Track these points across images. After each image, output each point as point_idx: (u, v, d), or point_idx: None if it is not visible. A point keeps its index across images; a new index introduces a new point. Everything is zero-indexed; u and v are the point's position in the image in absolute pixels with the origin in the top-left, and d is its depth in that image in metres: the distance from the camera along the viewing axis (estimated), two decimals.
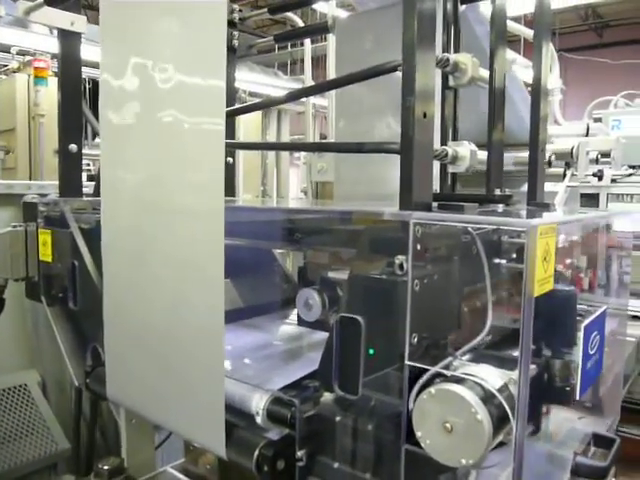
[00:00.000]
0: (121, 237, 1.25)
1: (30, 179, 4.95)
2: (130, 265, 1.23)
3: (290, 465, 1.02)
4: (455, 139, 1.49)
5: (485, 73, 1.39)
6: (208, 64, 1.01)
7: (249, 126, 8.19)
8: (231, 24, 2.05)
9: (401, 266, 0.88)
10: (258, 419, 1.07)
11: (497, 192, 1.39)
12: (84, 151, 3.29)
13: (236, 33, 2.06)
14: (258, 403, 1.08)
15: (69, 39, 1.69)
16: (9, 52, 5.78)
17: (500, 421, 0.79)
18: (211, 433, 1.08)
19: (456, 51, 1.44)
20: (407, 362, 0.87)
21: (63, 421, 2.43)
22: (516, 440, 0.77)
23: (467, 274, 0.95)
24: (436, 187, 1.50)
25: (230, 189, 2.26)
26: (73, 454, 2.35)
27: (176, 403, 1.17)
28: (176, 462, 1.81)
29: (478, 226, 0.83)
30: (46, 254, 1.71)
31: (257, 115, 8.37)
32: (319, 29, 1.92)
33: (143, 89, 1.13)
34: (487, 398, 0.79)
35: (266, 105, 2.23)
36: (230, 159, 2.25)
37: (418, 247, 0.88)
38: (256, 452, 1.03)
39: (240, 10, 2.09)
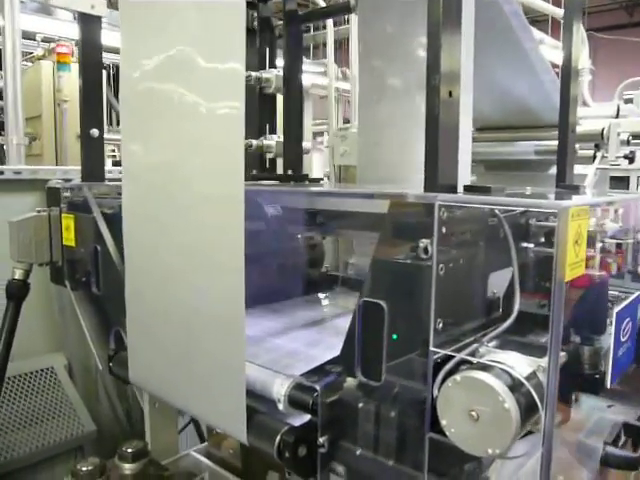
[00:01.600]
0: (142, 222, 1.25)
1: (56, 165, 5.01)
2: (151, 250, 1.23)
3: (312, 451, 1.01)
4: (273, 133, 1.97)
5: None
6: (227, 47, 0.98)
7: None
8: (251, 5, 2.03)
9: (426, 250, 0.85)
10: (280, 405, 1.06)
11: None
12: (109, 136, 3.31)
13: (256, 14, 2.03)
14: (279, 389, 1.07)
15: (89, 23, 1.68)
16: (34, 39, 5.83)
17: (528, 410, 0.76)
18: (232, 418, 1.08)
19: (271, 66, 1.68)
20: (432, 348, 0.85)
21: (89, 404, 2.47)
22: (545, 430, 0.74)
23: (494, 258, 0.92)
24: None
25: (247, 174, 2.26)
26: (98, 436, 2.39)
27: (197, 388, 1.17)
28: (199, 446, 1.82)
29: (506, 208, 0.80)
30: (69, 239, 1.72)
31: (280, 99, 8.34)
32: (341, 9, 1.88)
33: (162, 73, 1.12)
34: (515, 386, 0.76)
35: None
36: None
37: (443, 230, 0.85)
38: (277, 438, 1.02)
39: None
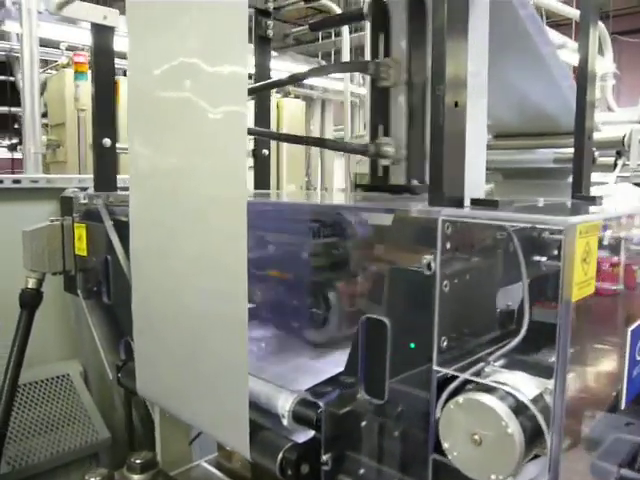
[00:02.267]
0: (147, 229, 1.24)
1: (79, 172, 5.08)
2: (156, 259, 1.22)
3: (314, 469, 0.99)
4: (387, 135, 1.52)
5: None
6: (229, 50, 0.97)
7: (292, 116, 8.19)
8: (265, 13, 2.02)
9: (429, 266, 0.83)
10: (284, 421, 1.04)
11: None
12: (124, 146, 3.33)
13: (270, 22, 2.03)
14: (284, 404, 1.06)
15: (102, 33, 1.70)
16: (59, 48, 5.93)
17: (534, 434, 0.73)
18: (235, 433, 1.06)
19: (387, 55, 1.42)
20: (435, 367, 0.82)
21: (104, 411, 2.48)
22: (551, 456, 0.71)
23: (502, 273, 0.89)
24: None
25: (266, 182, 2.24)
26: (113, 444, 2.40)
27: (201, 401, 1.15)
28: (209, 456, 1.81)
29: (511, 224, 0.77)
30: (81, 248, 1.73)
31: (300, 105, 8.36)
32: (354, 16, 1.86)
33: (166, 79, 1.12)
34: (519, 409, 0.73)
35: (278, 85, 2.24)
36: (266, 151, 2.22)
37: (448, 245, 0.82)
38: (280, 455, 1.00)
39: None
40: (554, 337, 0.78)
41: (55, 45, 5.95)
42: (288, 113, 8.07)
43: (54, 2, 1.61)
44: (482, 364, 0.83)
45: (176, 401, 1.25)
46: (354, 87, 7.68)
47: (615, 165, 2.13)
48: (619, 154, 2.12)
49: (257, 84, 1.93)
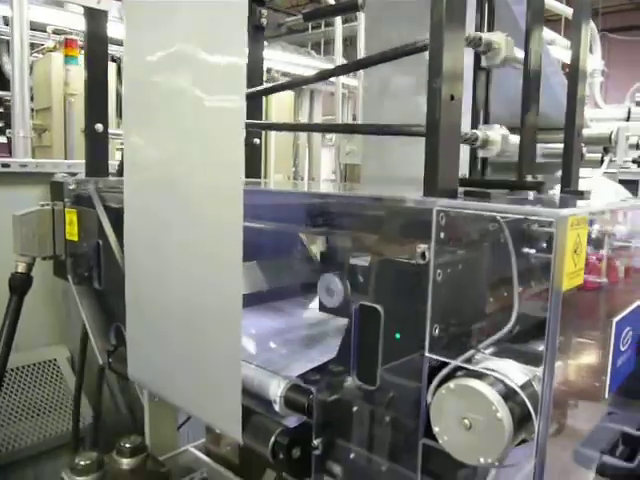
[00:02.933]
0: (141, 217, 1.25)
1: (65, 158, 5.03)
2: (149, 246, 1.23)
3: (306, 453, 1.01)
4: (487, 122, 1.44)
5: (520, 54, 1.33)
6: (228, 41, 0.98)
7: (281, 107, 8.16)
8: (259, 2, 2.02)
9: (423, 255, 0.85)
10: (276, 406, 1.06)
11: (529, 179, 1.34)
12: (116, 131, 3.31)
13: (264, 11, 2.02)
14: (276, 390, 1.07)
15: (95, 17, 1.68)
16: (45, 31, 5.84)
17: (522, 420, 0.75)
18: (228, 418, 1.08)
19: (490, 30, 1.38)
20: (427, 354, 0.84)
21: (91, 397, 2.48)
22: (538, 441, 0.73)
23: (493, 264, 0.91)
24: (465, 172, 1.46)
25: (256, 171, 2.25)
26: (100, 429, 2.40)
27: (194, 386, 1.17)
28: (197, 442, 1.83)
29: (504, 215, 0.79)
30: (72, 233, 1.72)
31: (289, 96, 8.33)
32: (349, 7, 1.86)
33: (164, 66, 1.12)
34: (509, 395, 0.76)
35: (292, 85, 2.17)
36: (257, 140, 2.22)
37: (442, 235, 0.84)
38: (272, 439, 1.02)
39: None
40: (541, 328, 0.81)
41: (41, 28, 5.86)
42: (277, 103, 8.05)
43: None
44: (472, 351, 0.85)
45: (168, 386, 1.26)
46: (345, 78, 7.66)
47: (602, 161, 2.17)
48: (606, 150, 2.15)
49: (277, 83, 1.89)
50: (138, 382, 1.41)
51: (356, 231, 1.04)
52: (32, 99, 5.74)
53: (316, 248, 1.54)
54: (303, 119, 9.47)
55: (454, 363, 0.82)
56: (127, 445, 1.46)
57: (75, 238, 1.72)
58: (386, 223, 0.92)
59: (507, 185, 1.33)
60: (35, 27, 5.82)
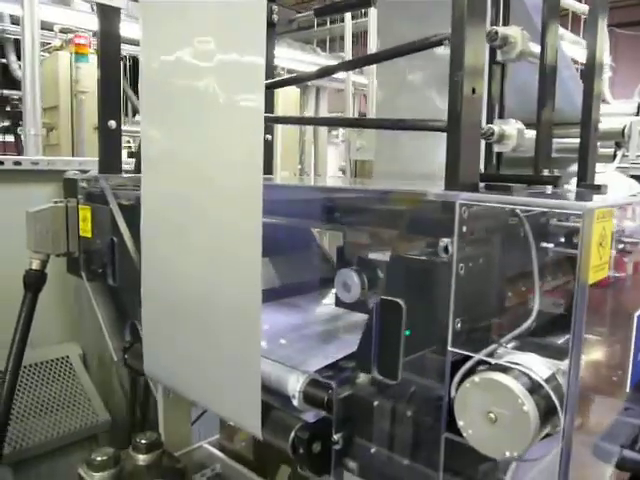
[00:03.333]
0: (159, 214, 1.25)
1: (73, 155, 5.04)
2: (167, 243, 1.23)
3: (326, 448, 1.01)
4: (502, 117, 1.43)
5: (535, 48, 1.32)
6: (247, 40, 0.98)
7: (287, 103, 8.15)
8: None
9: (446, 249, 0.85)
10: (295, 401, 1.06)
11: (545, 173, 1.33)
12: (125, 128, 3.31)
13: (276, 7, 2.02)
14: (295, 385, 1.07)
15: (108, 14, 1.69)
16: (52, 30, 5.86)
17: (547, 413, 0.75)
18: (247, 413, 1.08)
19: (505, 24, 1.37)
20: (450, 348, 0.84)
21: (103, 393, 2.49)
22: (564, 434, 0.73)
23: (515, 258, 0.91)
24: (480, 167, 1.45)
25: (268, 167, 2.25)
26: (113, 426, 2.41)
27: (212, 381, 1.17)
28: (212, 438, 1.83)
29: (530, 208, 0.79)
30: (86, 230, 1.73)
31: (295, 92, 8.33)
32: (360, 2, 1.86)
33: (182, 64, 1.12)
34: (534, 389, 0.75)
35: (305, 79, 2.16)
36: (269, 136, 2.23)
37: (464, 229, 0.84)
38: (292, 434, 1.02)
39: None
40: (563, 321, 0.81)
41: (48, 27, 5.88)
42: (283, 99, 8.05)
43: None
44: (495, 345, 0.85)
45: (185, 381, 1.26)
46: (353, 76, 7.65)
47: (614, 156, 2.16)
48: (618, 145, 2.14)
49: (290, 76, 1.87)
50: (154, 378, 1.41)
51: (376, 226, 1.03)
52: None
53: (333, 243, 1.54)
54: (309, 116, 9.47)
55: (477, 357, 0.82)
56: (143, 441, 1.46)
57: (89, 235, 1.72)
58: (407, 217, 0.92)
59: (524, 180, 1.32)
60: (42, 26, 5.85)
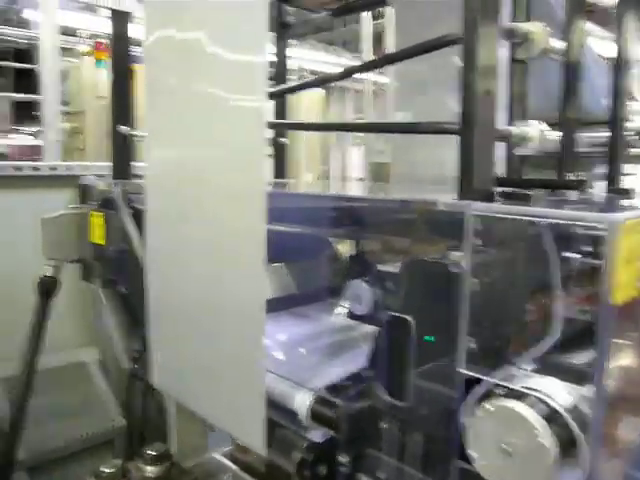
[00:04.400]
0: (162, 221, 1.21)
1: (101, 160, 5.08)
2: (170, 251, 1.19)
3: (332, 469, 0.96)
4: (524, 117, 1.36)
5: (558, 44, 1.25)
6: (248, 39, 0.93)
7: (311, 105, 8.12)
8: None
9: (457, 263, 0.79)
10: (301, 419, 1.01)
11: (570, 177, 1.26)
12: (141, 133, 3.29)
13: (290, 9, 1.98)
14: (301, 402, 1.03)
15: (120, 19, 1.66)
16: (81, 36, 5.93)
17: (568, 445, 0.69)
18: (251, 430, 1.03)
19: (526, 20, 1.30)
20: (461, 370, 0.78)
21: (120, 398, 2.48)
22: (588, 468, 0.66)
23: (534, 272, 0.84)
24: (502, 171, 1.39)
25: (283, 170, 2.21)
26: (129, 431, 2.40)
27: (216, 396, 1.13)
28: (224, 448, 1.79)
29: (546, 220, 0.72)
30: (99, 237, 1.71)
31: (319, 94, 8.28)
32: (377, 1, 1.80)
33: (183, 64, 1.08)
34: (553, 418, 0.69)
35: (316, 84, 2.10)
36: (285, 140, 2.18)
37: (477, 241, 0.78)
38: (297, 455, 0.98)
39: None
40: (586, 340, 0.74)
41: (77, 34, 5.95)
42: (307, 101, 8.01)
43: None
44: (511, 367, 0.79)
45: (191, 395, 1.22)
46: (374, 75, 7.55)
47: None
48: None
49: (302, 82, 1.82)
50: (162, 390, 1.38)
51: (385, 236, 0.98)
52: (66, 103, 5.92)
53: (343, 252, 1.49)
54: (334, 117, 9.41)
55: (490, 381, 0.76)
56: (151, 453, 1.43)
57: (101, 241, 1.70)
58: (417, 228, 0.86)
59: (547, 184, 1.25)
60: (70, 32, 5.93)
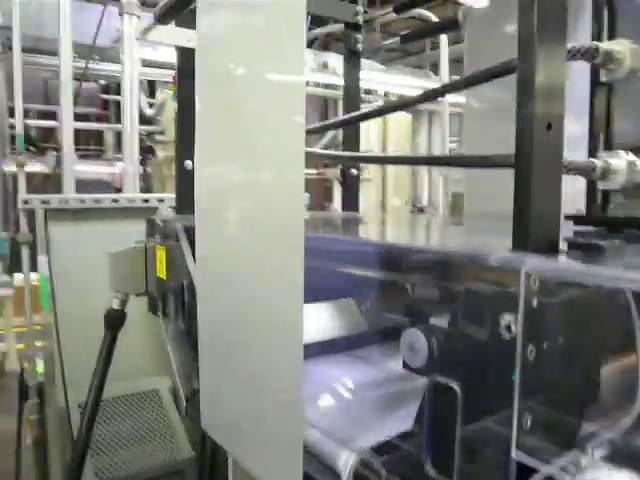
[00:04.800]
0: (211, 260, 1.18)
1: None
2: (218, 291, 1.16)
3: None
4: (609, 146, 1.20)
5: None
6: (287, 58, 0.88)
7: (398, 130, 8.04)
8: (354, 27, 1.92)
9: (509, 327, 0.67)
10: None
11: None
12: None
13: (360, 36, 1.92)
14: (344, 463, 0.94)
15: (185, 55, 1.68)
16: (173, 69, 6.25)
17: None
18: None
19: (611, 38, 1.16)
20: (514, 455, 0.66)
21: (190, 429, 2.48)
22: None
23: (605, 338, 0.71)
24: (581, 207, 1.23)
25: (354, 202, 2.14)
26: (196, 466, 2.39)
27: (256, 447, 1.06)
28: None
29: (619, 286, 0.59)
30: (162, 270, 1.71)
31: (407, 118, 8.17)
32: (448, 25, 1.70)
33: (229, 89, 1.06)
34: None
35: (389, 110, 2.04)
36: (354, 170, 2.12)
37: (534, 304, 0.66)
38: None
39: (365, 12, 1.94)
40: None
41: (170, 67, 6.28)
42: (394, 127, 7.93)
43: (137, 29, 1.62)
44: (576, 453, 0.66)
45: (237, 445, 1.16)
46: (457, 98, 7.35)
47: None
48: None
49: (367, 110, 1.77)
50: (208, 433, 1.33)
51: (436, 289, 0.87)
52: (163, 133, 6.27)
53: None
54: (422, 142, 9.25)
55: (549, 472, 0.63)
56: None
57: (164, 275, 1.70)
58: (466, 285, 0.75)
59: (636, 223, 1.09)
60: (166, 66, 6.27)
